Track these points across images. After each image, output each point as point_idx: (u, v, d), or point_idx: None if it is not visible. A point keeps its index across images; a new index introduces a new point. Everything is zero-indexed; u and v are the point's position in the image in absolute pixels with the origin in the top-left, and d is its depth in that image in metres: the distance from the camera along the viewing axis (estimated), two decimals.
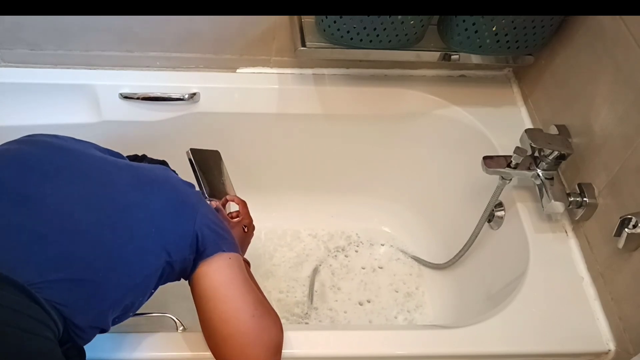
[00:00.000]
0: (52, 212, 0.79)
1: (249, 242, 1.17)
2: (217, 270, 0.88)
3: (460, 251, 1.35)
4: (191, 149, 1.23)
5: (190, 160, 1.22)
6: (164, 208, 0.87)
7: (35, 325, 0.70)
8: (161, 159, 1.13)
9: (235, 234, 1.06)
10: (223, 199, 1.19)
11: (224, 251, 0.89)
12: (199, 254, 0.88)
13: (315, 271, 1.51)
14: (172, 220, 0.87)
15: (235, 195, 1.23)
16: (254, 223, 1.19)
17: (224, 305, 0.86)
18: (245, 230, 1.15)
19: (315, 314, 1.45)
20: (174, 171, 1.05)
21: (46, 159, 0.86)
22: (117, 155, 1.01)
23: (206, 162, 1.25)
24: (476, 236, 1.29)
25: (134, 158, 1.11)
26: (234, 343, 0.85)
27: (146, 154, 1.14)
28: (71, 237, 0.78)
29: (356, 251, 1.58)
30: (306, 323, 1.43)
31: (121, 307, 0.83)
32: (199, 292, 0.88)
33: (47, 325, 0.72)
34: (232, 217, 1.16)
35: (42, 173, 0.83)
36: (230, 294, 0.87)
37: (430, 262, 1.51)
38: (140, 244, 0.83)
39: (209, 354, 0.93)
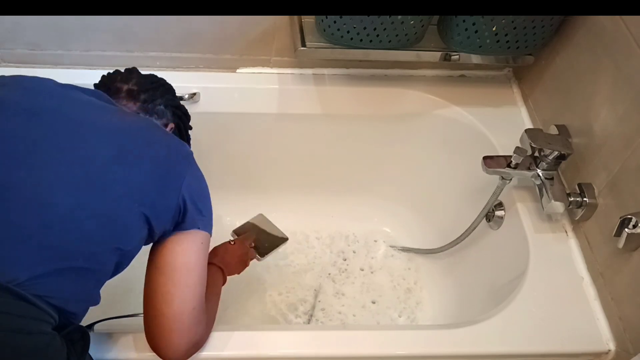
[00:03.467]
0: (29, 201, 0.76)
1: (237, 269, 1.16)
2: (184, 251, 0.87)
3: (455, 239, 1.34)
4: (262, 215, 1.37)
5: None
6: (146, 181, 0.84)
7: (29, 323, 0.70)
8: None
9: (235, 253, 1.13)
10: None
11: (199, 229, 0.88)
12: (176, 224, 0.87)
13: (317, 291, 1.50)
14: (155, 193, 0.84)
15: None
16: None
17: (174, 288, 0.86)
18: (244, 258, 1.18)
19: (323, 314, 1.45)
20: (165, 115, 1.03)
21: (16, 138, 0.80)
22: (99, 95, 0.95)
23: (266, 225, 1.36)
24: (474, 228, 1.28)
25: (125, 74, 1.04)
26: (164, 323, 0.85)
27: None
28: (51, 227, 0.76)
29: (354, 252, 1.58)
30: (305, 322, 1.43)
31: (106, 280, 0.84)
32: (157, 261, 0.87)
33: (42, 320, 0.72)
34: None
35: (13, 156, 0.78)
36: (184, 280, 0.86)
37: (422, 249, 1.50)
38: (122, 222, 0.81)
39: (207, 353, 0.93)
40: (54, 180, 0.78)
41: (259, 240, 1.28)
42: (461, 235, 1.32)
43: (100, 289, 0.84)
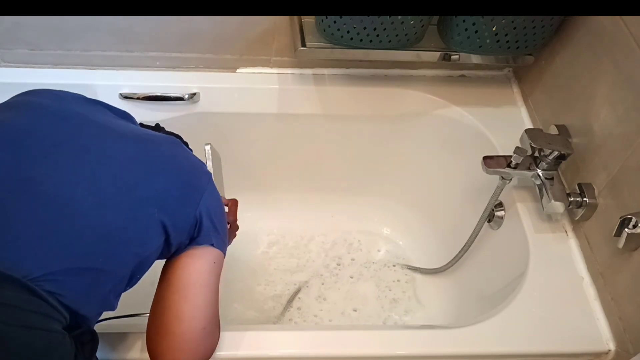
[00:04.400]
0: (51, 197, 0.75)
1: (230, 241, 1.14)
2: (198, 269, 0.87)
3: (457, 254, 1.35)
4: (211, 146, 1.21)
5: (207, 155, 1.20)
6: (167, 189, 0.84)
7: (39, 319, 0.70)
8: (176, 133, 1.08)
9: None
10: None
11: (213, 246, 0.88)
12: (191, 239, 0.87)
13: (299, 288, 1.48)
14: (176, 202, 0.84)
15: (224, 197, 1.21)
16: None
17: (186, 306, 0.85)
18: (229, 226, 1.12)
19: (299, 313, 1.44)
20: (187, 144, 1.02)
21: (42, 133, 0.80)
22: (127, 117, 0.97)
23: (216, 161, 1.24)
24: (475, 236, 1.29)
25: (148, 127, 1.07)
26: (173, 341, 0.84)
27: None
28: (71, 224, 0.75)
29: (352, 259, 1.57)
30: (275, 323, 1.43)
31: (122, 288, 0.82)
32: (170, 279, 0.86)
33: (52, 318, 0.71)
34: None
35: (38, 151, 0.78)
36: (198, 299, 0.86)
37: (425, 269, 1.51)
38: (142, 226, 0.81)
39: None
40: (77, 179, 0.78)
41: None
42: (463, 247, 1.32)
43: (117, 295, 0.83)
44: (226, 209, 1.15)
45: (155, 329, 0.86)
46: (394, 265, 1.55)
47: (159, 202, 0.82)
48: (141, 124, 1.05)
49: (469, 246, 1.31)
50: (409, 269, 1.53)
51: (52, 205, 0.75)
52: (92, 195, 0.77)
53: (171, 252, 0.87)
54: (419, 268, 1.53)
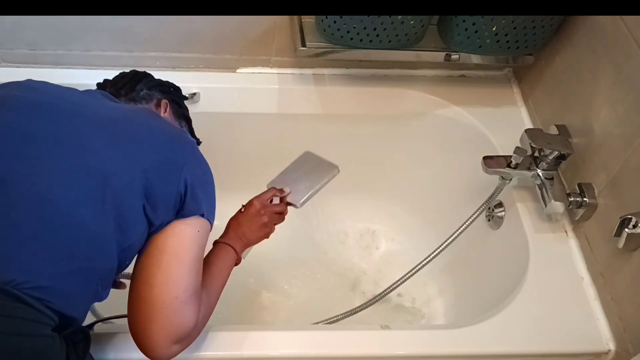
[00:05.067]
0: (27, 198, 0.73)
1: (256, 237, 1.05)
2: (176, 235, 0.83)
3: (450, 236, 1.29)
4: (308, 152, 1.18)
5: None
6: (146, 170, 0.81)
7: (28, 326, 0.69)
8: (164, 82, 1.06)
9: (254, 221, 1.03)
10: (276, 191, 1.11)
11: (197, 216, 0.85)
12: (177, 213, 0.84)
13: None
14: (156, 183, 0.81)
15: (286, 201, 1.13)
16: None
17: (158, 272, 0.81)
18: (264, 218, 1.05)
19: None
20: (165, 100, 1.01)
21: (14, 127, 0.77)
22: (97, 96, 0.93)
23: (308, 165, 1.17)
24: (471, 222, 1.25)
25: (100, 85, 1.03)
26: (144, 309, 0.80)
27: None
28: (50, 225, 0.73)
29: (351, 255, 1.57)
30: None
31: (111, 279, 0.81)
32: (147, 246, 0.84)
33: (41, 322, 0.70)
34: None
35: (6, 149, 0.75)
36: (172, 267, 0.81)
37: (421, 265, 1.47)
38: (122, 218, 0.78)
39: (208, 353, 0.93)
40: (52, 174, 0.75)
41: (295, 185, 1.11)
42: (457, 231, 1.28)
43: (106, 287, 0.81)
44: (276, 200, 1.09)
45: (130, 296, 0.83)
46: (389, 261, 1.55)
47: (139, 188, 0.80)
48: (121, 74, 1.03)
49: (462, 231, 1.25)
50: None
51: (29, 206, 0.73)
52: (69, 191, 0.75)
53: (157, 228, 0.84)
54: (412, 271, 1.50)
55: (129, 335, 0.92)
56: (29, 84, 0.89)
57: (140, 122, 0.87)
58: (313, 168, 1.15)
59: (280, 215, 1.09)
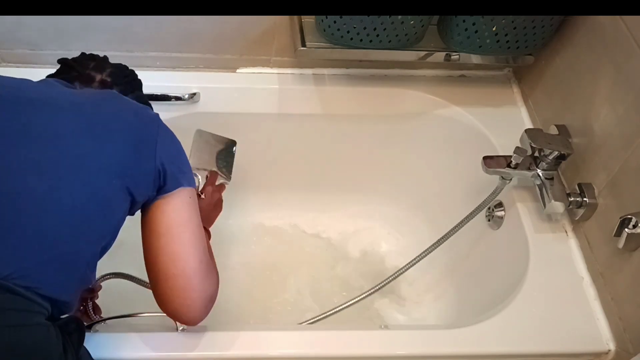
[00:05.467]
0: (3, 193, 0.73)
1: (215, 216, 1.16)
2: (175, 208, 0.86)
3: (447, 232, 1.29)
4: (200, 130, 1.26)
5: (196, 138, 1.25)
6: (120, 151, 0.81)
7: (20, 316, 0.69)
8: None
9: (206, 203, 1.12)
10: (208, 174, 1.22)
11: (184, 186, 0.87)
12: (159, 188, 0.86)
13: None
14: (132, 162, 0.82)
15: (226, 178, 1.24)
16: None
17: (176, 246, 0.84)
18: (216, 195, 1.16)
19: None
20: (128, 82, 1.01)
21: None
22: (52, 83, 0.92)
23: (210, 142, 1.27)
24: (469, 220, 1.25)
25: (99, 63, 1.02)
26: (176, 284, 0.84)
27: None
28: (30, 214, 0.73)
29: (351, 254, 1.57)
30: None
31: (97, 260, 0.83)
32: (152, 226, 0.86)
33: (34, 312, 0.71)
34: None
35: None
36: (185, 235, 0.85)
37: (417, 258, 1.47)
38: (102, 199, 0.79)
39: (209, 353, 0.93)
40: (24, 166, 0.75)
41: (217, 164, 1.24)
42: (454, 228, 1.28)
43: (93, 269, 0.82)
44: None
45: (156, 282, 0.86)
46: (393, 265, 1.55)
47: (116, 168, 0.81)
48: (82, 54, 1.02)
49: (460, 227, 1.27)
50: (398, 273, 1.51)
51: (6, 201, 0.73)
52: (44, 181, 0.75)
53: (138, 207, 0.86)
54: (407, 265, 1.49)
55: (129, 335, 0.93)
56: None
57: (107, 103, 0.88)
58: (217, 143, 1.28)
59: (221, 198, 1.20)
